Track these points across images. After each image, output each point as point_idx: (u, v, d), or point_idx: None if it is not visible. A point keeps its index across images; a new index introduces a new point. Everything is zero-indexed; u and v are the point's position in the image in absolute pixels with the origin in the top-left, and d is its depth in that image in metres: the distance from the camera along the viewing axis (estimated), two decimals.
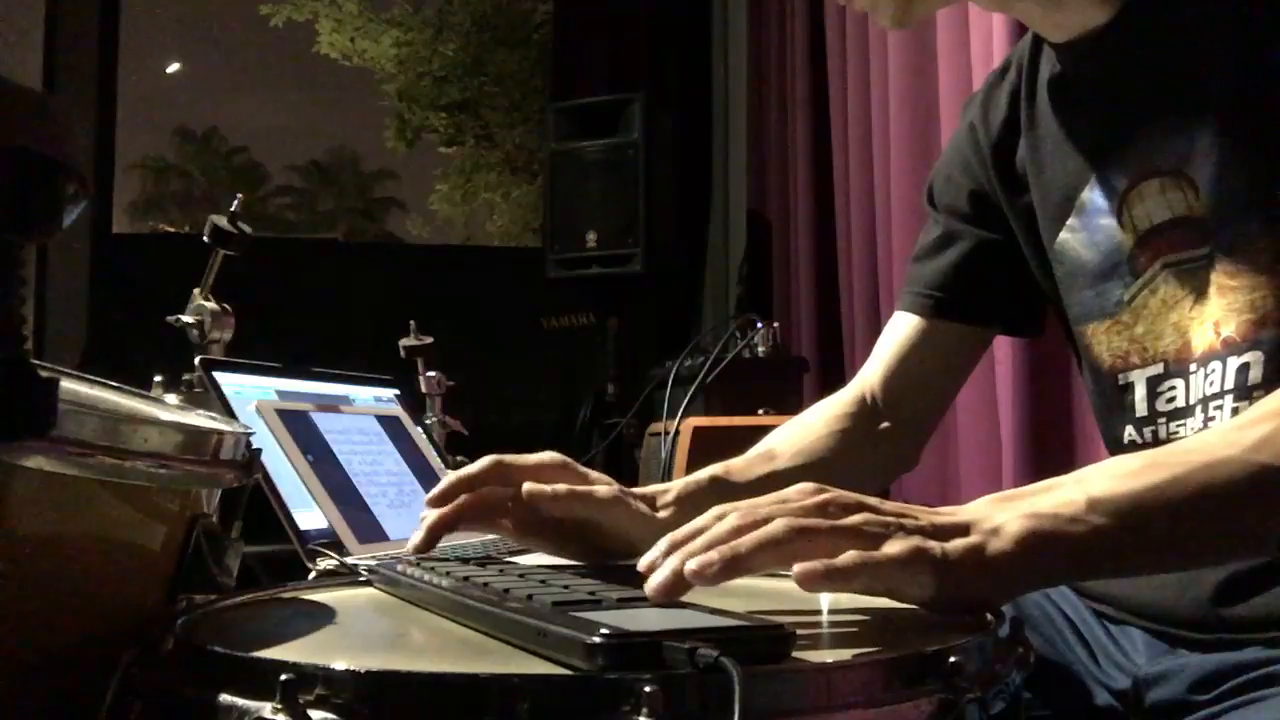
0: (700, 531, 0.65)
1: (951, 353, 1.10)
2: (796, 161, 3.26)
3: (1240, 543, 0.72)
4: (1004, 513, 0.66)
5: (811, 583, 0.60)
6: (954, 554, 0.64)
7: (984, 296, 1.07)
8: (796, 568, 0.60)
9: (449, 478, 0.85)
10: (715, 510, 0.67)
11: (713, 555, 0.60)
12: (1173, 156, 0.86)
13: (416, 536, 0.83)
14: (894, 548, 0.63)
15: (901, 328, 1.10)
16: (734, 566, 0.60)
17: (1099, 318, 0.92)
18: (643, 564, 0.65)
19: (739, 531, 0.62)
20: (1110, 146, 0.90)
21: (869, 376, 1.11)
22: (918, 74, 2.29)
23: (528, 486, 0.81)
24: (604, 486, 0.86)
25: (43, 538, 0.59)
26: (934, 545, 0.64)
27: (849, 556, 0.61)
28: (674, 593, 0.60)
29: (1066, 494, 0.67)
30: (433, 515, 0.83)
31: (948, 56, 2.10)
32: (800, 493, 0.67)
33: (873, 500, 0.67)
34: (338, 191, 25.94)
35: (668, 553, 0.64)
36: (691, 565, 0.60)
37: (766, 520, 0.63)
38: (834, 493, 0.67)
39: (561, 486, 0.82)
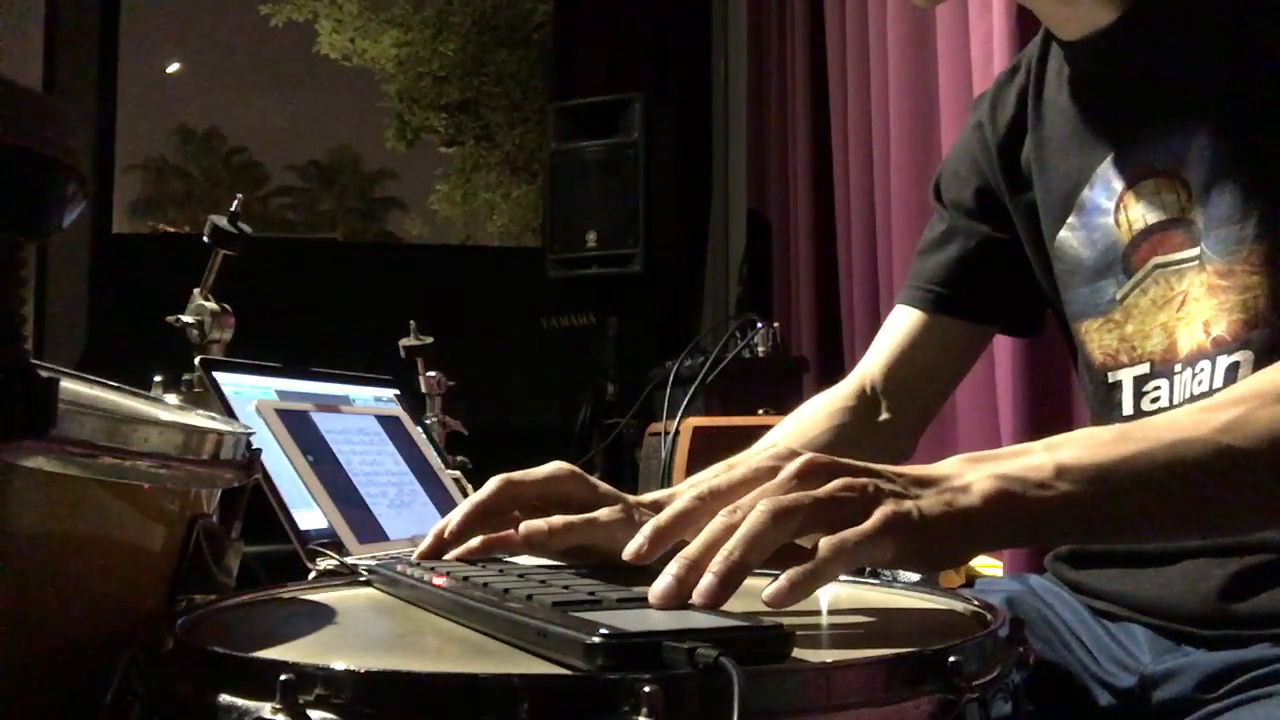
0: (683, 516, 0.66)
1: (951, 348, 1.11)
2: (796, 161, 3.26)
3: (1208, 522, 0.73)
4: (974, 471, 0.67)
5: (783, 600, 0.59)
6: (929, 511, 0.64)
7: (985, 293, 1.08)
8: (765, 594, 0.59)
9: (463, 508, 0.81)
10: (691, 488, 0.68)
11: (713, 581, 0.59)
12: (1169, 158, 0.87)
13: (425, 544, 0.81)
14: (870, 520, 0.62)
15: (903, 321, 1.11)
16: (733, 582, 0.60)
17: (1093, 315, 0.93)
18: (628, 553, 0.66)
19: (729, 529, 0.62)
20: (1111, 146, 0.92)
21: (869, 368, 1.12)
22: (918, 75, 2.29)
23: (524, 528, 0.77)
24: (607, 509, 0.80)
25: (43, 538, 0.59)
26: (909, 506, 0.64)
27: (820, 552, 0.60)
28: (678, 603, 0.60)
29: (1036, 459, 0.68)
30: (451, 553, 0.79)
31: (948, 58, 2.10)
32: (774, 458, 0.67)
33: (845, 460, 0.67)
34: (338, 191, 25.94)
35: (652, 540, 0.65)
36: (696, 599, 0.59)
37: (749, 511, 0.62)
38: (806, 457, 0.66)
39: (559, 520, 0.78)
